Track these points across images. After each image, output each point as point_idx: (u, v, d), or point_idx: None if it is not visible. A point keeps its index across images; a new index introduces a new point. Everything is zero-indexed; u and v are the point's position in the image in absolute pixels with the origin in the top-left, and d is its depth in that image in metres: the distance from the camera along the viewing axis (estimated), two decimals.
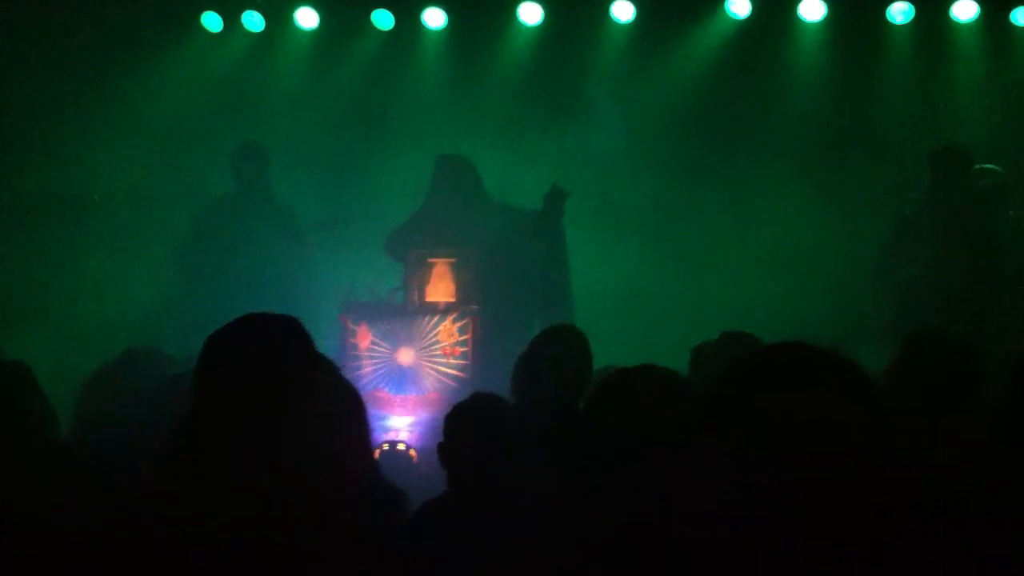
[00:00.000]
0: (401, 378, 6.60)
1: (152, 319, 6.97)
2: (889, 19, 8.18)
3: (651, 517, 2.25)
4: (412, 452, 6.19)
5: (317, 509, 2.44)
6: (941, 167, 7.04)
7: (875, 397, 2.00)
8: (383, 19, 8.62)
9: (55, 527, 2.88)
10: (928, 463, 2.43)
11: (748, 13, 8.27)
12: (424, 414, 6.44)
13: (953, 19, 8.10)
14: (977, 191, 7.05)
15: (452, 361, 6.61)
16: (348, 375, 6.42)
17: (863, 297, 7.08)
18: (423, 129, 8.30)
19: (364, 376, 6.53)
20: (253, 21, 8.69)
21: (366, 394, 6.45)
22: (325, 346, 3.18)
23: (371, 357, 6.60)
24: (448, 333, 6.63)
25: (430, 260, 6.80)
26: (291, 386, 2.50)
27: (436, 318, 6.65)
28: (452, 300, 6.71)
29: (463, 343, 6.63)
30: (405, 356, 6.63)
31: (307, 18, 8.66)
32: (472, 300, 6.71)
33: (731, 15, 8.32)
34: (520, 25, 8.54)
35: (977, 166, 7.14)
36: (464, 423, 3.51)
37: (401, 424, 6.44)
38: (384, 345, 6.66)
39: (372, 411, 6.42)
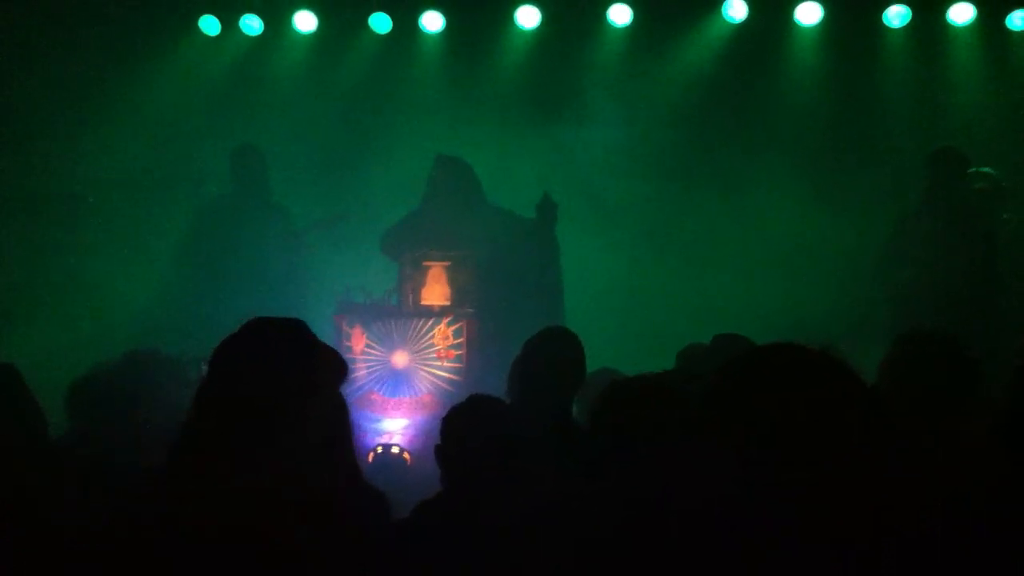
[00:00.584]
0: (395, 380, 6.59)
1: (150, 319, 6.97)
2: (886, 22, 8.20)
3: (650, 517, 2.25)
4: (406, 455, 6.19)
5: (315, 510, 2.44)
6: (937, 170, 7.06)
7: (867, 397, 2.01)
8: (381, 22, 8.63)
9: (48, 527, 2.88)
10: (924, 462, 2.42)
11: (745, 16, 8.29)
12: (418, 417, 6.43)
13: (950, 22, 8.12)
14: (973, 194, 7.07)
15: (447, 364, 6.60)
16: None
17: (861, 297, 7.09)
18: (420, 132, 8.30)
19: (359, 379, 6.52)
20: (251, 25, 8.70)
21: (360, 396, 6.53)
22: None
23: (366, 359, 6.59)
24: (443, 336, 6.62)
25: (425, 263, 6.80)
26: (294, 391, 2.51)
27: (431, 321, 6.65)
28: (447, 303, 6.71)
29: (458, 346, 6.62)
30: (399, 359, 6.62)
31: (305, 22, 8.67)
32: (467, 303, 6.71)
33: (728, 19, 8.33)
34: (517, 29, 8.55)
35: (973, 169, 7.16)
36: (462, 425, 3.50)
37: (395, 427, 6.43)
38: (379, 347, 6.65)
39: (366, 413, 6.47)
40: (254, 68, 8.78)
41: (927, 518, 2.12)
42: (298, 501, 2.42)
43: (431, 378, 6.59)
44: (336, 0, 8.67)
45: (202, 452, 2.48)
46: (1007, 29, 8.07)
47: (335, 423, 2.61)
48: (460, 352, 6.60)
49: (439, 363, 6.60)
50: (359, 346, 6.63)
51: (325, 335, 6.43)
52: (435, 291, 6.72)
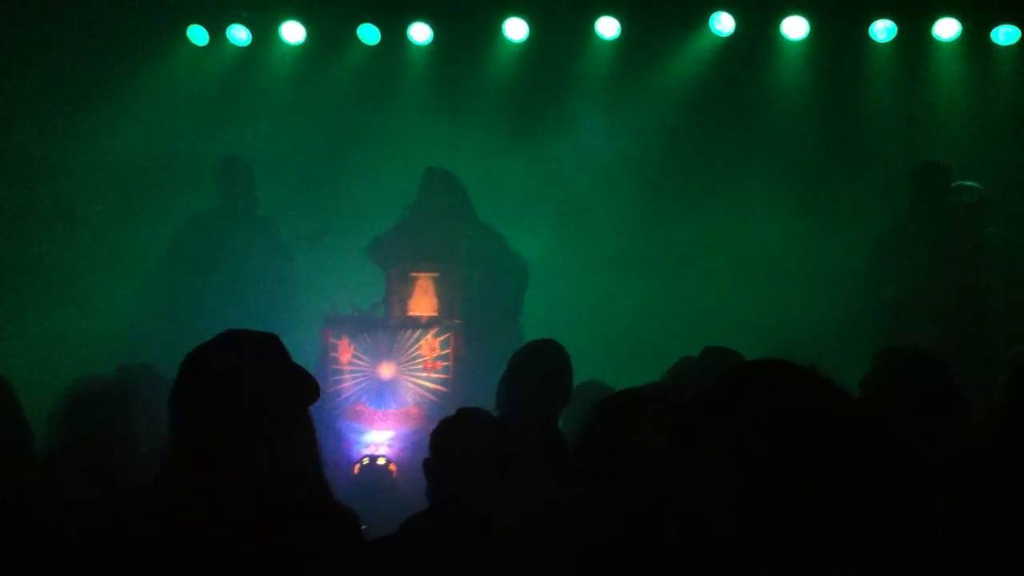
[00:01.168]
0: (382, 392, 6.58)
1: (136, 331, 6.95)
2: (872, 37, 8.24)
3: (645, 525, 2.26)
4: (392, 467, 6.18)
5: (279, 528, 2.44)
6: (922, 183, 7.12)
7: (854, 406, 2.04)
8: (369, 34, 8.63)
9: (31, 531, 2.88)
10: (910, 469, 2.44)
11: (732, 30, 8.33)
12: (404, 429, 6.43)
13: (936, 37, 8.17)
14: (958, 207, 7.13)
15: (433, 375, 6.60)
16: (329, 389, 6.44)
17: (849, 310, 7.11)
18: (409, 142, 8.30)
19: (345, 390, 6.52)
20: (238, 35, 8.68)
21: (347, 408, 6.53)
22: (306, 360, 3.17)
23: (352, 371, 6.59)
24: (430, 347, 6.62)
25: (412, 274, 6.80)
26: (254, 406, 2.51)
27: (418, 332, 6.64)
28: (434, 314, 6.71)
29: (444, 357, 6.62)
30: (386, 370, 6.62)
31: (293, 32, 8.66)
32: (454, 315, 6.71)
33: (716, 32, 8.37)
34: (505, 40, 8.56)
35: (957, 182, 7.21)
36: (452, 438, 3.49)
37: (381, 439, 6.42)
38: (365, 359, 6.65)
39: (353, 425, 6.47)
40: (242, 79, 8.76)
41: (919, 522, 2.14)
42: (259, 519, 2.41)
43: (418, 390, 6.58)
44: (324, 11, 8.65)
45: (175, 464, 2.49)
46: (992, 44, 8.12)
47: (299, 442, 2.60)
48: (447, 364, 6.60)
49: (426, 375, 6.60)
50: (346, 358, 6.63)
51: (312, 348, 6.48)
52: (422, 303, 6.73)
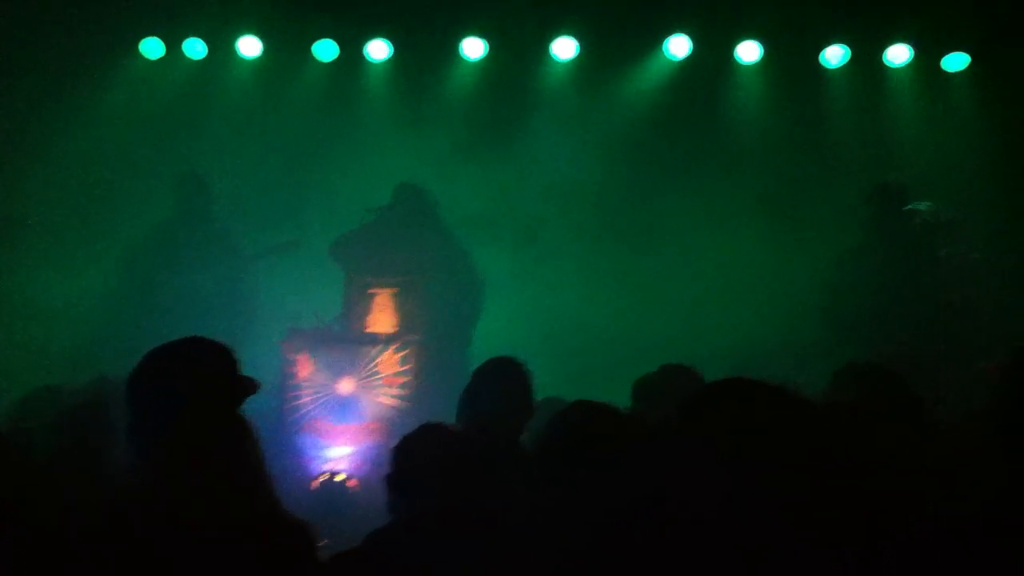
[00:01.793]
0: (342, 407, 6.56)
1: (92, 343, 6.87)
2: (823, 63, 8.37)
3: (615, 529, 2.29)
4: (352, 482, 6.16)
5: (222, 540, 2.44)
6: (878, 203, 7.26)
7: (821, 416, 2.10)
8: (327, 49, 8.62)
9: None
10: (875, 476, 2.49)
11: (688, 53, 8.41)
12: (365, 444, 6.41)
13: (887, 63, 8.32)
14: (914, 226, 7.27)
15: (394, 391, 6.59)
16: (288, 404, 6.40)
17: (809, 328, 7.21)
18: (367, 157, 8.30)
19: (305, 405, 6.48)
20: (195, 49, 8.64)
21: (307, 423, 6.49)
22: (266, 375, 3.17)
23: (312, 386, 6.56)
24: (390, 363, 6.61)
25: (371, 291, 6.79)
26: (193, 412, 2.51)
27: (378, 347, 6.63)
28: (395, 330, 6.70)
29: (405, 373, 6.61)
30: (346, 385, 6.60)
31: (250, 47, 8.63)
32: (415, 329, 6.71)
33: (670, 56, 8.44)
34: (463, 59, 8.60)
35: (913, 203, 7.35)
36: (414, 453, 3.49)
37: (342, 454, 6.40)
38: (326, 374, 6.62)
39: (312, 440, 6.44)
40: (199, 92, 8.71)
41: (905, 528, 2.19)
42: (208, 525, 2.41)
43: (378, 404, 6.57)
44: (281, 26, 8.63)
45: (144, 469, 2.49)
46: (942, 71, 8.30)
47: (241, 452, 2.60)
48: (408, 379, 6.59)
49: (386, 390, 6.59)
50: (306, 372, 6.60)
51: (273, 362, 6.44)
52: (382, 318, 6.72)
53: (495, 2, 8.29)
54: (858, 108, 8.40)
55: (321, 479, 6.14)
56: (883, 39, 8.28)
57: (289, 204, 8.39)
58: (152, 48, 8.61)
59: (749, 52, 8.39)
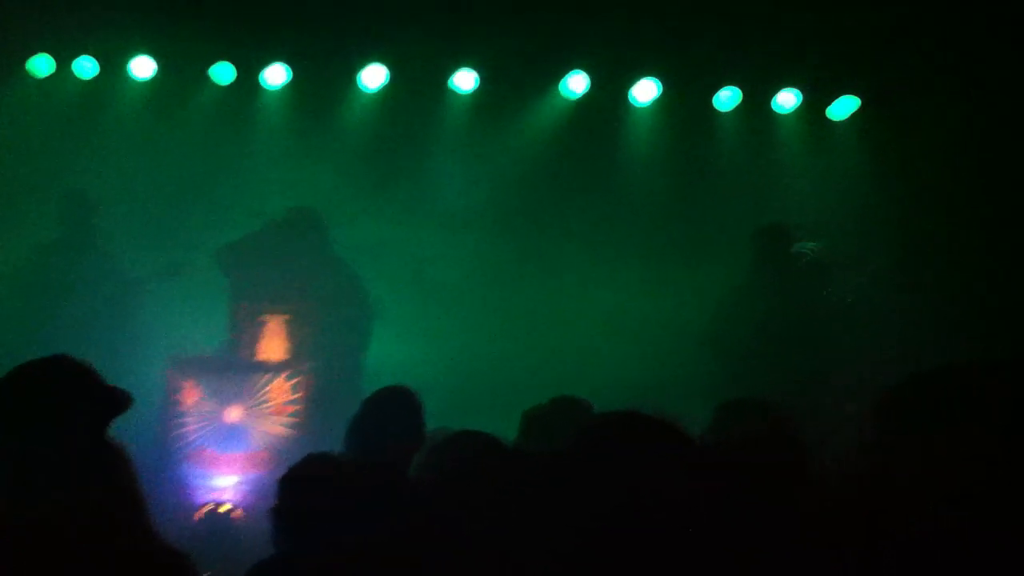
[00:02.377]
0: (229, 436, 6.45)
1: None
2: (716, 106, 8.57)
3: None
4: (238, 512, 6.05)
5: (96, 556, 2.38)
6: (763, 244, 7.47)
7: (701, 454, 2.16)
8: (223, 72, 8.50)
9: None
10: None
11: (585, 90, 8.51)
12: (252, 473, 6.31)
13: (776, 108, 8.57)
14: (798, 266, 7.49)
15: (283, 419, 6.51)
16: (172, 433, 6.26)
17: (693, 363, 7.34)
18: (261, 184, 8.20)
19: (189, 433, 6.36)
20: (85, 67, 8.43)
21: (191, 452, 6.36)
22: (149, 403, 3.12)
23: (198, 414, 6.44)
24: (280, 391, 6.53)
25: (261, 318, 6.71)
26: (66, 432, 2.47)
27: (268, 375, 6.55)
28: (285, 358, 6.63)
29: (296, 401, 6.54)
30: (233, 413, 6.49)
31: (143, 67, 8.44)
32: (306, 357, 6.64)
33: (568, 93, 8.54)
34: (361, 90, 8.57)
35: (799, 243, 7.58)
36: (299, 484, 3.45)
37: (227, 483, 6.28)
38: (212, 402, 6.50)
39: (197, 470, 6.31)
40: (89, 112, 8.51)
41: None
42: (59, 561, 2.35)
43: (266, 433, 6.47)
44: (176, 47, 8.47)
45: None
46: (826, 118, 8.57)
47: (112, 477, 2.55)
48: (298, 408, 6.52)
49: (275, 418, 6.50)
50: (192, 400, 6.48)
51: (157, 390, 6.29)
52: (272, 345, 6.64)
53: (398, 30, 8.29)
54: (750, 150, 8.61)
55: (205, 509, 6.02)
56: (773, 83, 8.50)
57: (178, 227, 8.22)
58: (40, 66, 8.38)
59: (646, 91, 8.52)
